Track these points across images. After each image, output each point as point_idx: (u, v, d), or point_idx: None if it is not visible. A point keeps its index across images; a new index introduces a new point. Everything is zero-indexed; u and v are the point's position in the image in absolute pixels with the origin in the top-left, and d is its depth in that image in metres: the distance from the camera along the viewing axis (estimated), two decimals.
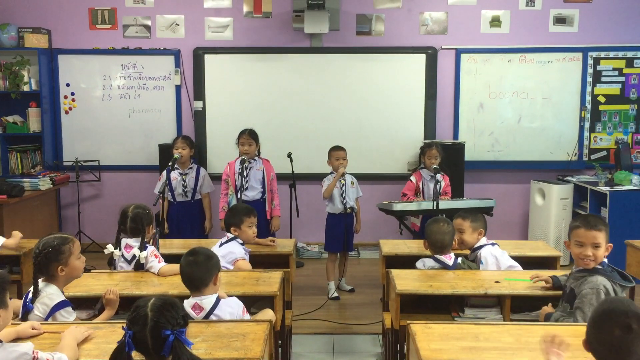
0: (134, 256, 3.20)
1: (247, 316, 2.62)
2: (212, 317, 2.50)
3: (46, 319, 2.48)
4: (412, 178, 5.08)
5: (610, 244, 2.59)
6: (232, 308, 2.56)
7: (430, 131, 6.21)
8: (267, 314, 2.75)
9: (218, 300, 2.55)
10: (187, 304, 2.50)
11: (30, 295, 2.55)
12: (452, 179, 5.19)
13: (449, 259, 3.25)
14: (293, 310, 3.95)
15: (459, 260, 3.30)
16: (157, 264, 3.18)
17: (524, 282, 2.98)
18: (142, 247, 3.20)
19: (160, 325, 1.73)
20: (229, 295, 2.68)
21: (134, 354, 1.77)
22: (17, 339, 2.21)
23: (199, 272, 2.55)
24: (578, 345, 2.17)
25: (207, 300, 2.53)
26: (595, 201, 5.61)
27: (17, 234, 3.84)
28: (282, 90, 6.22)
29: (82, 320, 2.70)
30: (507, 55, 6.17)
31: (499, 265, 3.31)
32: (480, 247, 3.40)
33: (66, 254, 2.57)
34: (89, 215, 6.40)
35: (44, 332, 2.29)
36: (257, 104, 6.22)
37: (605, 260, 2.58)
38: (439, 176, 4.74)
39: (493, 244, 3.44)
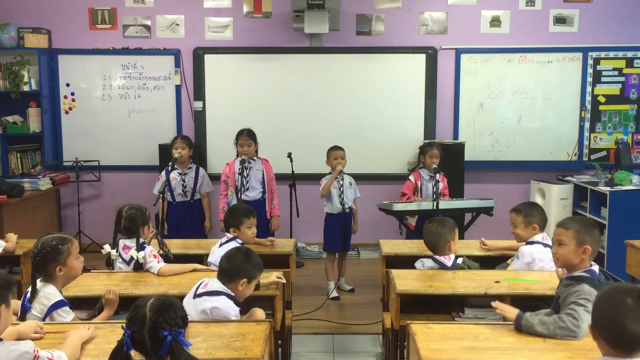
0: (132, 257, 3.20)
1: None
2: (205, 301, 2.55)
3: (43, 319, 2.48)
4: (411, 177, 5.08)
5: (588, 247, 2.43)
6: (223, 307, 2.54)
7: (430, 131, 6.21)
8: (256, 314, 2.74)
9: (221, 293, 2.57)
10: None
11: (28, 295, 2.55)
12: (452, 179, 5.19)
13: (447, 259, 3.24)
14: (293, 310, 3.94)
15: (459, 260, 3.29)
16: (156, 264, 3.18)
17: (524, 282, 2.98)
18: (139, 248, 3.21)
19: (158, 326, 1.73)
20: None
21: (134, 353, 1.77)
22: (19, 340, 2.20)
23: (228, 266, 2.64)
24: (578, 345, 2.18)
25: (216, 283, 2.61)
26: (595, 201, 5.61)
27: (12, 237, 3.83)
28: (282, 90, 6.22)
29: (82, 320, 2.70)
30: (507, 55, 6.17)
31: (531, 268, 3.23)
32: (531, 242, 3.32)
33: (64, 254, 2.57)
34: (89, 215, 6.40)
35: (46, 333, 2.29)
36: (257, 104, 6.22)
37: (595, 268, 2.43)
38: (438, 176, 4.73)
39: (545, 245, 3.28)
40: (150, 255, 3.22)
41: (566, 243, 2.46)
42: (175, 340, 1.74)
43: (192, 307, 2.55)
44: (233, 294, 2.61)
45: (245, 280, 2.61)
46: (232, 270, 2.62)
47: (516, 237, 3.43)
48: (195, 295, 2.61)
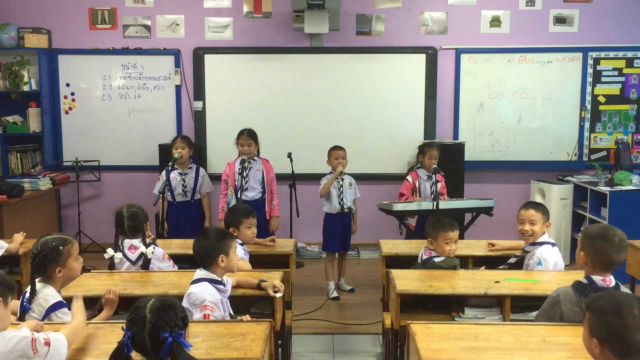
0: (141, 254, 3.21)
1: (203, 313, 2.58)
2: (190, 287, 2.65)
3: (42, 320, 2.47)
4: (409, 178, 5.08)
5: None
6: (196, 292, 2.59)
7: (430, 131, 6.21)
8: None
9: (200, 280, 2.63)
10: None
11: (27, 295, 2.54)
12: (452, 179, 5.19)
13: (426, 254, 3.33)
14: (293, 310, 3.95)
15: (437, 259, 3.27)
16: (171, 267, 3.30)
17: (524, 282, 2.98)
18: (147, 244, 3.23)
19: (159, 327, 1.73)
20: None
21: (134, 354, 1.77)
22: None
23: (200, 249, 2.69)
24: (578, 345, 2.18)
25: (198, 272, 2.69)
26: (595, 201, 5.61)
27: (17, 238, 3.83)
28: (282, 90, 6.22)
29: None
30: (507, 55, 6.17)
31: (553, 269, 3.24)
32: (540, 243, 3.30)
33: (64, 256, 2.56)
34: (89, 216, 6.40)
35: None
36: (257, 104, 6.22)
37: (584, 279, 2.44)
38: (436, 176, 4.74)
39: (553, 245, 3.33)
40: (165, 259, 3.28)
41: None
42: (176, 342, 1.74)
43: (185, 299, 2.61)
44: (218, 278, 2.66)
45: (223, 255, 2.67)
46: (204, 254, 2.68)
47: (531, 235, 3.34)
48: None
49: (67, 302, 2.60)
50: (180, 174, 5.07)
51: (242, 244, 3.52)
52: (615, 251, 2.36)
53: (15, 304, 2.70)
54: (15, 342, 1.93)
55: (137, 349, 1.77)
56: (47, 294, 2.51)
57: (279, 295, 2.82)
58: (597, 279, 2.39)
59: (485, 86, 6.22)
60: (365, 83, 6.21)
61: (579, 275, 2.51)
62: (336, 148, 4.95)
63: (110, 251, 3.25)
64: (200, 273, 2.69)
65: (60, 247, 2.55)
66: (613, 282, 2.40)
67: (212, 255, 2.66)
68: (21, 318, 2.49)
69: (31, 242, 3.85)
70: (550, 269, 3.22)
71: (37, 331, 2.26)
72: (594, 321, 1.76)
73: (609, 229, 2.44)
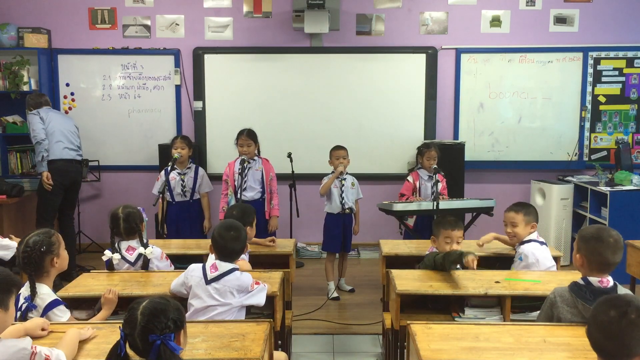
0: (140, 255, 3.21)
1: (258, 287, 2.78)
2: (222, 280, 2.73)
3: None
4: (410, 178, 5.08)
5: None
6: (240, 281, 2.74)
7: (430, 131, 6.21)
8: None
9: (234, 269, 2.77)
10: (208, 263, 2.80)
11: (21, 298, 2.53)
12: (452, 179, 5.19)
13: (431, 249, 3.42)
14: (293, 311, 3.94)
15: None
16: (168, 267, 3.30)
17: (524, 282, 2.98)
18: (145, 245, 3.23)
19: (148, 330, 1.74)
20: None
21: (132, 354, 1.77)
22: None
23: (238, 245, 2.85)
24: (578, 345, 2.18)
25: (224, 264, 2.77)
26: (595, 201, 5.61)
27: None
28: (282, 90, 6.22)
29: (82, 320, 2.70)
30: (507, 55, 6.17)
31: (538, 267, 3.25)
32: (528, 241, 3.35)
33: (57, 245, 2.60)
34: (89, 215, 6.39)
35: (52, 332, 2.29)
36: (257, 104, 6.22)
37: (580, 280, 2.41)
38: (437, 176, 4.74)
39: (542, 243, 3.36)
40: (163, 258, 3.29)
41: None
42: (164, 345, 1.74)
43: (207, 292, 2.71)
44: (237, 266, 2.83)
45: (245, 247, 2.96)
46: (241, 246, 2.88)
47: (514, 237, 3.42)
48: (210, 280, 2.73)
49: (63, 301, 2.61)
50: (179, 173, 5.06)
51: None
52: (611, 252, 2.35)
53: None
54: (13, 352, 1.93)
55: (132, 349, 1.78)
56: (43, 293, 2.52)
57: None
58: (593, 280, 2.37)
59: (485, 86, 6.22)
60: (365, 83, 6.21)
61: (579, 275, 2.50)
62: (337, 148, 4.96)
63: (107, 253, 3.22)
64: (226, 265, 2.78)
65: (51, 238, 2.59)
66: (611, 283, 2.39)
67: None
68: (24, 318, 2.48)
69: None
70: (530, 265, 3.25)
71: (44, 329, 2.27)
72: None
73: (603, 229, 2.42)
